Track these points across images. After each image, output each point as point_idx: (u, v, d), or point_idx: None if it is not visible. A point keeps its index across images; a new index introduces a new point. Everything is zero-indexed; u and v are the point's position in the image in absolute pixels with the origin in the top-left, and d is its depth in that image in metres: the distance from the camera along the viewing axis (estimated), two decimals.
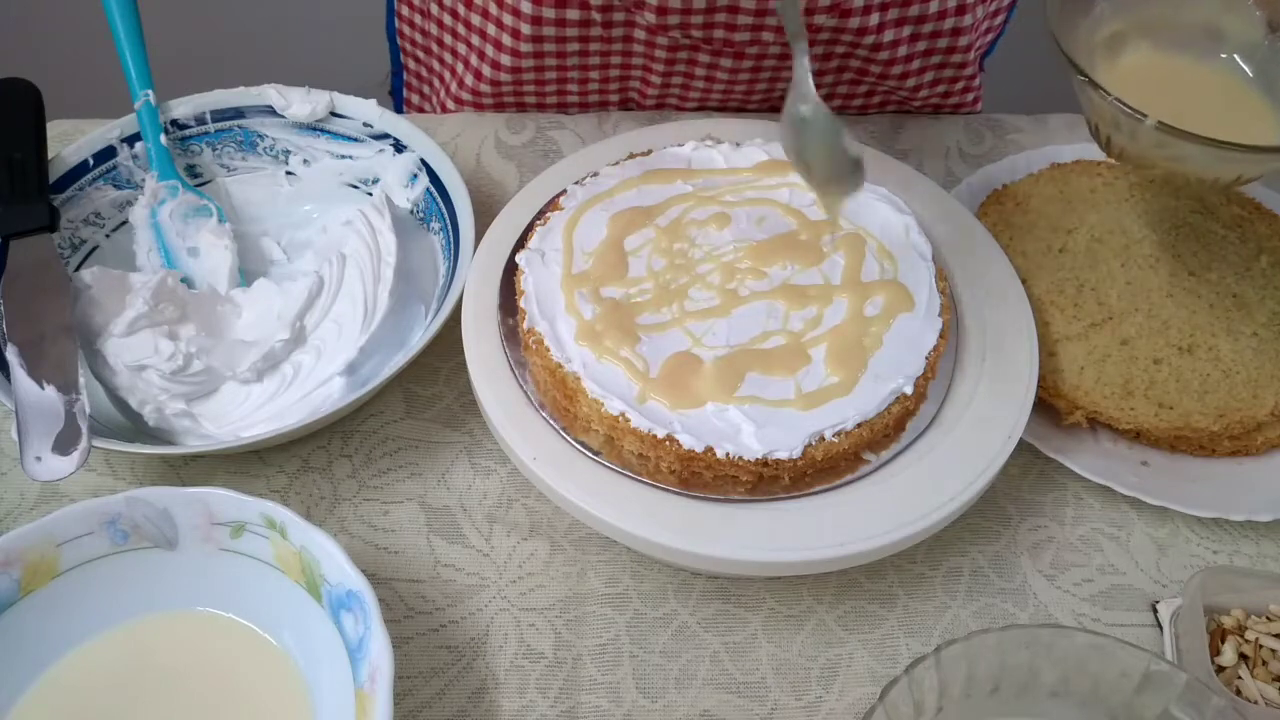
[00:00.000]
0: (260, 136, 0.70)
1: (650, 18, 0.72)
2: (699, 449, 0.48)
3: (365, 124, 0.70)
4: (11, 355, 0.54)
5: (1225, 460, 0.60)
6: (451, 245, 0.63)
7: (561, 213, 0.59)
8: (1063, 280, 0.64)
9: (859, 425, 0.50)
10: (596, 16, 0.73)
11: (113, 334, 0.58)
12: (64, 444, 0.51)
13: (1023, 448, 0.55)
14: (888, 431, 0.52)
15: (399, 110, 0.95)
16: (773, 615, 0.55)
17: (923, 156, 0.77)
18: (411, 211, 0.68)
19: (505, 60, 0.76)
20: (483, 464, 0.60)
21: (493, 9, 0.75)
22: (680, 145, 0.63)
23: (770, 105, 0.82)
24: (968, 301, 0.59)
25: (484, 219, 0.63)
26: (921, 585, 0.56)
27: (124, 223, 0.67)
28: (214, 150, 0.70)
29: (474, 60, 0.79)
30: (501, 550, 0.57)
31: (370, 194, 0.69)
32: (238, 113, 0.70)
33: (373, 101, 0.70)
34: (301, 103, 0.69)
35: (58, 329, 0.56)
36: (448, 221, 0.65)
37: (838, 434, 0.49)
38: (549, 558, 0.56)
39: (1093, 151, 0.74)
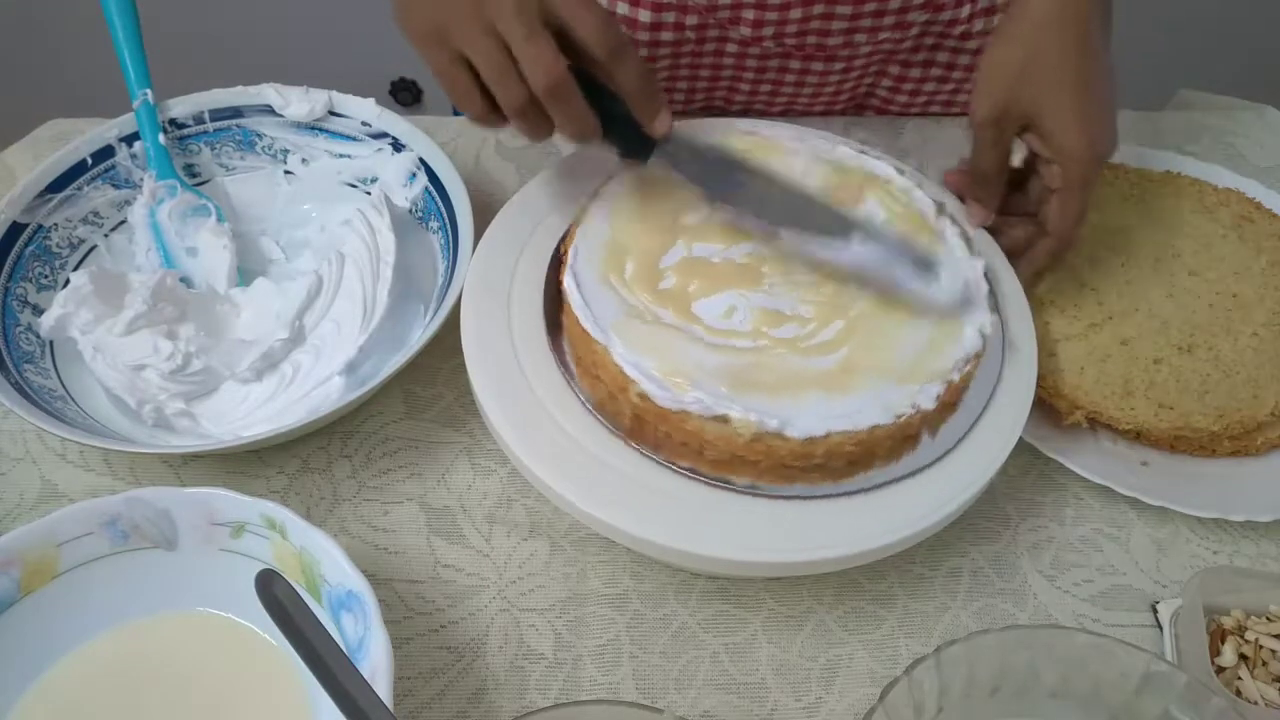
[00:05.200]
0: (259, 136, 0.70)
1: (745, 31, 0.73)
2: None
3: (363, 123, 0.69)
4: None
5: (1225, 460, 0.60)
6: (450, 244, 0.63)
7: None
8: (1063, 280, 0.64)
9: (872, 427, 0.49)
10: (690, 35, 0.74)
11: (112, 334, 0.58)
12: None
13: (1023, 448, 0.55)
14: (890, 444, 0.51)
15: None
16: (773, 616, 0.55)
17: (923, 157, 0.77)
18: (410, 210, 0.68)
19: None
20: (483, 464, 0.60)
21: None
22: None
23: (855, 105, 0.83)
24: None
25: (483, 219, 0.63)
26: (921, 586, 0.56)
27: (122, 222, 0.67)
28: (213, 149, 0.70)
29: None
30: (501, 550, 0.57)
31: (369, 193, 0.69)
32: (236, 112, 0.70)
33: (371, 100, 0.69)
34: (300, 102, 0.69)
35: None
36: (446, 220, 0.65)
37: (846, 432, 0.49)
38: (549, 558, 0.56)
39: None
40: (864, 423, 0.49)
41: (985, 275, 0.56)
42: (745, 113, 0.83)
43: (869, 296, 0.54)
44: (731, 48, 0.75)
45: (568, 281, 0.53)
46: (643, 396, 0.49)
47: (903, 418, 0.49)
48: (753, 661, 0.53)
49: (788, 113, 0.82)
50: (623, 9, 0.73)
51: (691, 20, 0.73)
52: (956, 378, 0.51)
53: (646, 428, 0.50)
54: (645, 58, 0.76)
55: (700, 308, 0.53)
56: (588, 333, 0.51)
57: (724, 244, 0.56)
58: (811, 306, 0.53)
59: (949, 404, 0.52)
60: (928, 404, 0.50)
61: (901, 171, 0.60)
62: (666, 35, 0.74)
